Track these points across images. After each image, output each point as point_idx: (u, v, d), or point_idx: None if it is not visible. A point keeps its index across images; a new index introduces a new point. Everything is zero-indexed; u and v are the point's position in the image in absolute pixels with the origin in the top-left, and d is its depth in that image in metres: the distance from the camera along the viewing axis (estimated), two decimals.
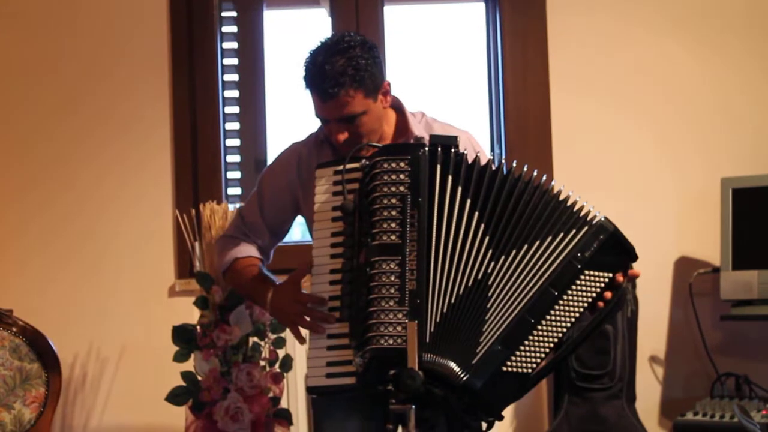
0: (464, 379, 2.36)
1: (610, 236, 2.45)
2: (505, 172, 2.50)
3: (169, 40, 4.18)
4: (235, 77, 4.30)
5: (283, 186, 2.95)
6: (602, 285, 2.44)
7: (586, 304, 2.43)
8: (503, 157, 4.09)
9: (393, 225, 2.41)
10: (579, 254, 2.43)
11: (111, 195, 4.15)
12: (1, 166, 4.18)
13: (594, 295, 2.43)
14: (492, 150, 4.19)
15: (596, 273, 2.44)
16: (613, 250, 2.46)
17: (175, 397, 3.45)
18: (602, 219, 2.47)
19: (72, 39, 4.19)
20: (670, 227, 4.07)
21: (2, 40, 4.20)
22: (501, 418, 2.46)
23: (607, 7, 4.13)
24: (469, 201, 2.46)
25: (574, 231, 2.46)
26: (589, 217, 2.48)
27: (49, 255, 4.13)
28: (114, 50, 4.18)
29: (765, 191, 3.79)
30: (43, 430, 3.53)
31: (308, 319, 2.60)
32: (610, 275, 2.44)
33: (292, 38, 4.41)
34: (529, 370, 2.39)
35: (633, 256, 2.48)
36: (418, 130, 2.85)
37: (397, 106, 2.93)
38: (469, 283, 2.42)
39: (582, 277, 2.43)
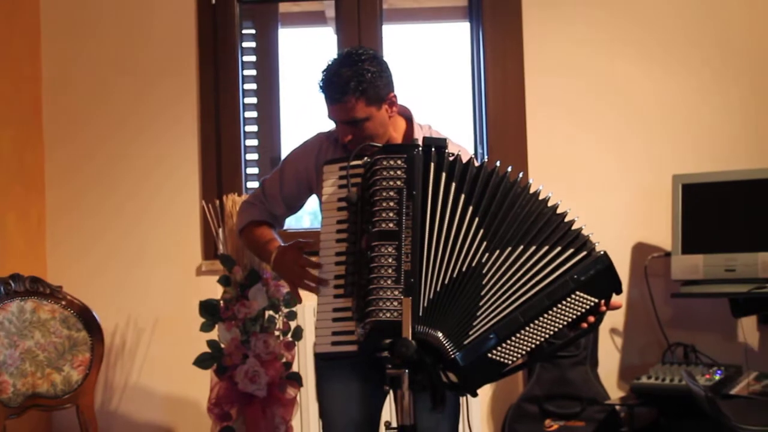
0: (453, 355, 2.34)
1: (606, 269, 2.41)
2: (500, 175, 2.46)
3: (197, 55, 4.17)
4: (253, 86, 4.30)
5: (301, 169, 2.91)
6: (587, 308, 2.39)
7: (569, 320, 2.38)
8: (485, 156, 4.09)
9: (391, 214, 2.39)
10: (576, 276, 2.38)
11: (149, 188, 4.14)
12: (60, 174, 4.18)
13: (578, 314, 2.39)
14: (475, 149, 4.18)
15: (585, 296, 2.39)
16: (605, 280, 2.41)
17: (201, 361, 3.47)
18: (602, 252, 2.41)
19: (119, 61, 4.19)
20: (628, 217, 4.05)
21: (65, 48, 4.19)
22: (475, 395, 2.45)
23: (577, 27, 4.12)
24: (463, 196, 2.42)
25: (572, 250, 2.41)
26: (588, 243, 2.43)
27: (95, 239, 4.14)
28: (150, 65, 4.17)
29: (710, 186, 3.79)
30: (88, 389, 3.54)
31: (306, 281, 2.64)
32: (596, 301, 2.40)
33: (302, 52, 4.41)
34: (509, 362, 2.36)
35: (619, 290, 2.43)
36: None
37: (407, 116, 2.89)
38: (463, 269, 2.39)
39: (573, 296, 2.38)
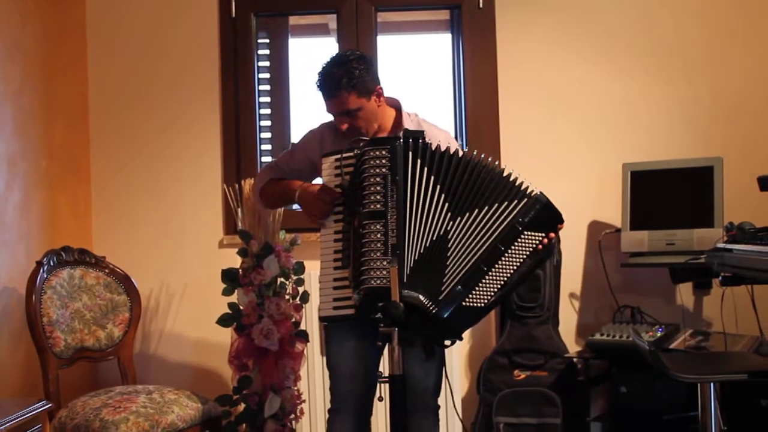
0: (434, 311, 2.38)
1: (544, 206, 2.47)
2: (459, 155, 2.50)
3: (220, 61, 4.14)
4: (267, 87, 4.26)
5: (306, 151, 2.91)
6: (537, 241, 2.44)
7: (525, 256, 2.43)
8: (464, 147, 4.10)
9: (378, 197, 2.43)
10: (520, 219, 2.43)
11: (178, 173, 4.13)
12: (104, 162, 4.17)
13: (532, 249, 2.44)
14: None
15: (533, 233, 2.44)
16: (546, 216, 2.47)
17: (223, 321, 3.48)
18: (538, 193, 2.47)
19: (152, 65, 4.16)
20: (586, 199, 4.04)
21: (104, 61, 4.19)
22: (461, 339, 2.51)
23: (542, 37, 4.09)
24: (432, 177, 2.46)
25: (516, 201, 2.46)
26: (528, 191, 2.48)
27: (133, 218, 4.13)
28: (179, 69, 4.14)
29: (654, 173, 3.79)
30: (127, 344, 3.56)
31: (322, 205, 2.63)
32: (543, 234, 2.46)
33: (309, 59, 4.39)
34: (482, 305, 2.41)
35: (561, 220, 2.48)
36: (409, 126, 2.81)
37: (397, 106, 2.90)
38: (434, 238, 2.43)
39: (522, 236, 2.43)
